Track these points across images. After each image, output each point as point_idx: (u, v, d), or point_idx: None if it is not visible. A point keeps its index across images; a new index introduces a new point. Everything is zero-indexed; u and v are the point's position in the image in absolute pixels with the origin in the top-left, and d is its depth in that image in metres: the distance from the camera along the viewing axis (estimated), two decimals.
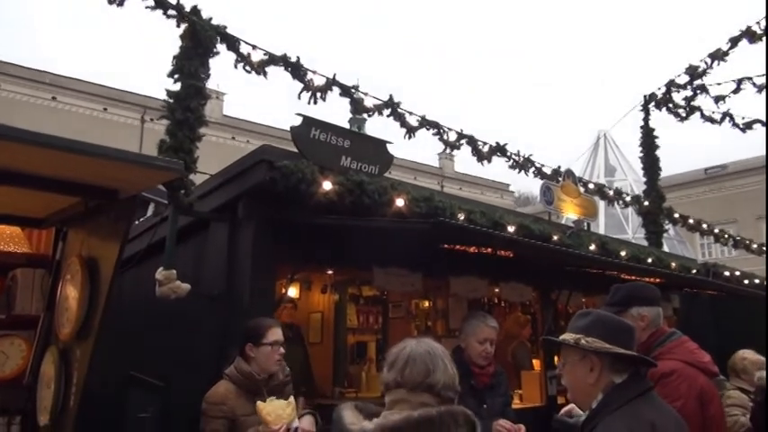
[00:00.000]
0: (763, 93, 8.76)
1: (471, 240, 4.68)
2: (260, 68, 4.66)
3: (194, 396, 3.17)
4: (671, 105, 9.77)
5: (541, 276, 6.02)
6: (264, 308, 3.95)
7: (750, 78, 8.98)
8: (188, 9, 4.11)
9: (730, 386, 4.78)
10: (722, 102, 9.37)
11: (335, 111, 5.52)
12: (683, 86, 9.47)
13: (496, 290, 6.19)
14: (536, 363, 6.69)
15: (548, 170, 7.30)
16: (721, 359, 4.92)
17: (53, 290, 3.43)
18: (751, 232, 21.55)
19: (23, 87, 27.32)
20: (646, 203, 9.35)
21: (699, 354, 2.85)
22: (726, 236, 11.03)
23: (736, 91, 9.13)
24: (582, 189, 7.28)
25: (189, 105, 4.00)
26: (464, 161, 41.32)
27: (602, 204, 9.08)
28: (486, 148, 6.66)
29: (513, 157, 7.05)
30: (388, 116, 5.69)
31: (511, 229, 4.96)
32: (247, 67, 4.61)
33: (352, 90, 5.31)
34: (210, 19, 4.22)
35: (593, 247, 5.96)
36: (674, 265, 7.12)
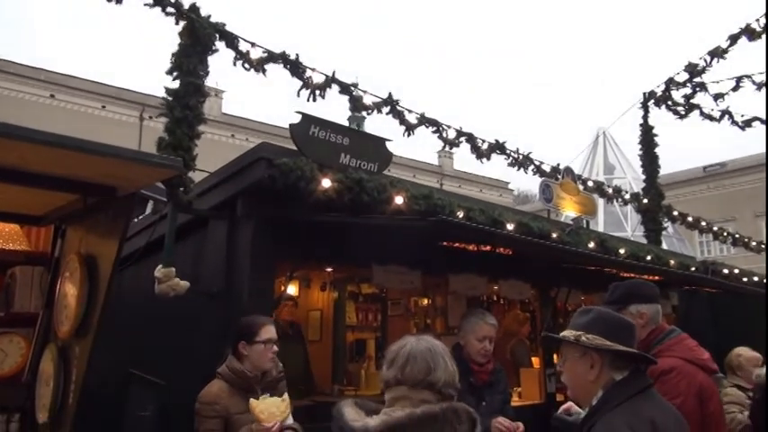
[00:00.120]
0: (763, 90, 8.76)
1: (470, 238, 4.68)
2: (259, 66, 4.65)
3: (194, 394, 3.16)
4: (670, 103, 9.75)
5: (540, 274, 6.03)
6: (263, 305, 3.94)
7: (749, 76, 8.97)
8: (186, 6, 4.10)
9: (727, 383, 4.79)
10: (721, 99, 9.36)
11: (335, 109, 5.53)
12: (683, 84, 9.45)
13: (495, 287, 6.19)
14: (535, 360, 6.70)
15: (547, 168, 7.29)
16: (720, 356, 4.93)
17: (52, 287, 3.43)
18: (750, 230, 21.56)
19: (22, 85, 27.32)
20: (645, 201, 9.35)
21: (698, 351, 2.86)
22: (725, 234, 11.04)
23: (735, 89, 9.12)
24: (581, 187, 7.27)
25: (188, 103, 3.99)
26: (463, 159, 41.50)
27: (601, 202, 9.10)
28: (485, 146, 6.66)
29: (513, 154, 7.04)
30: (387, 114, 5.69)
31: (510, 226, 4.95)
32: (246, 65, 4.60)
33: (352, 88, 5.30)
34: (209, 16, 4.21)
35: (592, 245, 5.96)
36: (672, 262, 7.12)
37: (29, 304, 3.68)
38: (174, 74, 4.05)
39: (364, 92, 5.42)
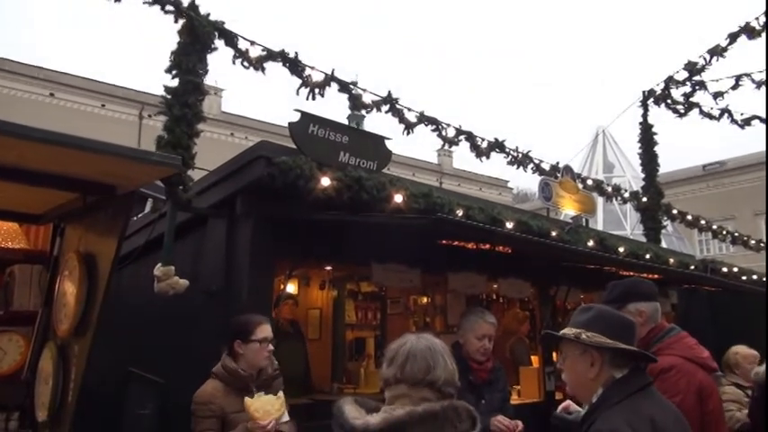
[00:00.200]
0: (762, 89, 8.76)
1: (470, 236, 4.67)
2: (258, 64, 4.65)
3: (193, 392, 3.15)
4: (669, 101, 9.75)
5: (540, 272, 6.03)
6: (262, 304, 3.94)
7: (749, 74, 8.98)
8: (186, 5, 4.10)
9: (726, 381, 4.79)
10: (721, 98, 9.35)
11: (334, 107, 5.52)
12: (682, 82, 9.45)
13: (495, 286, 6.19)
14: (534, 359, 6.70)
15: (546, 166, 7.29)
16: (719, 355, 4.94)
17: (51, 286, 3.43)
18: (749, 228, 21.57)
19: (21, 84, 27.26)
20: (644, 200, 9.34)
21: (698, 349, 2.86)
22: (724, 232, 11.05)
23: (734, 87, 9.11)
24: (580, 185, 7.27)
25: (187, 101, 3.98)
26: (463, 158, 41.35)
27: (600, 200, 9.10)
28: (484, 145, 6.66)
29: (512, 153, 7.05)
30: (386, 112, 5.69)
31: (509, 225, 4.95)
32: (245, 63, 4.60)
33: (351, 86, 5.30)
34: (208, 15, 4.21)
35: (591, 243, 5.96)
36: (672, 261, 7.13)
37: (28, 303, 3.68)
38: (174, 72, 4.05)
39: (363, 90, 5.41)
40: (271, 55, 4.73)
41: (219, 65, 4.59)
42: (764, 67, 8.45)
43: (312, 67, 4.96)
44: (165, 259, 3.84)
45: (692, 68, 9.17)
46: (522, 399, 5.93)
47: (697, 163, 36.07)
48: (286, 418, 2.94)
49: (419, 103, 5.89)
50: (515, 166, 7.17)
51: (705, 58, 9.00)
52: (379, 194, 4.24)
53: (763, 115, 9.28)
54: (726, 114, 9.63)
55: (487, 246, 4.92)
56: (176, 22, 4.10)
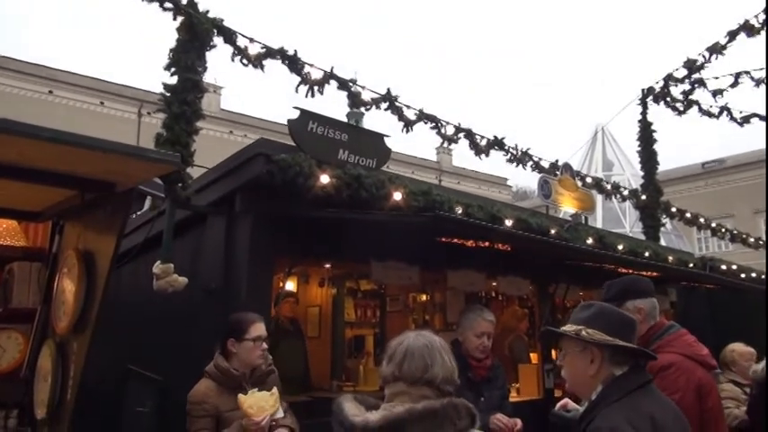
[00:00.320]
0: (761, 86, 8.76)
1: (469, 234, 4.67)
2: (257, 62, 4.64)
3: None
4: (669, 99, 9.75)
5: (539, 270, 6.03)
6: (262, 301, 3.94)
7: (748, 72, 8.98)
8: (184, 2, 4.09)
9: (724, 379, 4.80)
10: (720, 96, 9.35)
11: (333, 105, 5.52)
12: (681, 80, 9.45)
13: (494, 283, 6.19)
14: (533, 356, 6.71)
15: (545, 164, 7.29)
16: (718, 352, 4.96)
17: (50, 283, 3.43)
18: (748, 226, 21.57)
19: (20, 81, 27.23)
20: (643, 197, 9.35)
21: (697, 347, 2.86)
22: (723, 230, 11.05)
23: (734, 85, 9.11)
24: (580, 183, 7.27)
25: (186, 99, 3.98)
26: (462, 155, 41.38)
27: (599, 198, 9.09)
28: (483, 142, 6.66)
29: (511, 150, 7.04)
30: (385, 110, 5.68)
31: (508, 222, 4.95)
32: (244, 61, 4.59)
33: (350, 83, 5.30)
34: (207, 12, 4.20)
35: (590, 241, 5.96)
36: (671, 258, 7.13)
37: (27, 300, 3.68)
38: (172, 69, 4.04)
39: (363, 88, 5.41)
40: (270, 52, 4.72)
41: (218, 62, 4.58)
42: (764, 65, 8.44)
43: (311, 65, 4.96)
44: (164, 257, 3.83)
45: (692, 66, 9.17)
46: (521, 396, 5.94)
47: (696, 161, 36.12)
48: (281, 413, 2.93)
49: (419, 102, 5.90)
50: (515, 164, 7.17)
51: (704, 56, 8.99)
52: (379, 192, 4.23)
53: (763, 113, 9.27)
54: (725, 112, 9.63)
55: (487, 243, 4.92)
56: (175, 19, 4.09)
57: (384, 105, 5.63)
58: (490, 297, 7.26)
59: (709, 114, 9.72)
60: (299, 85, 4.89)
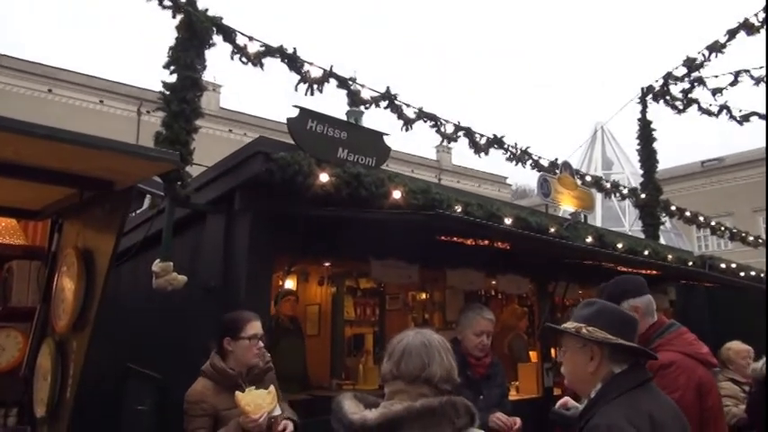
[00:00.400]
0: (760, 85, 8.76)
1: (468, 232, 4.67)
2: (256, 60, 4.63)
3: None
4: (668, 98, 9.76)
5: (538, 268, 6.03)
6: (261, 300, 3.94)
7: (748, 71, 8.98)
8: (184, 0, 4.09)
9: (722, 378, 4.81)
10: (719, 94, 9.36)
11: (333, 104, 5.51)
12: (681, 79, 9.45)
13: (493, 282, 6.20)
14: (533, 355, 6.71)
15: (545, 162, 7.29)
16: (718, 351, 4.96)
17: (49, 282, 3.43)
18: (747, 225, 21.60)
19: (19, 80, 27.20)
20: (642, 196, 9.35)
21: (697, 345, 2.86)
22: (722, 228, 11.05)
23: (733, 83, 9.12)
24: (579, 181, 7.27)
25: (185, 97, 3.97)
26: (461, 154, 41.38)
27: (599, 197, 9.10)
28: (483, 141, 6.65)
29: (511, 149, 7.04)
30: (385, 108, 5.67)
31: (508, 221, 4.95)
32: (244, 59, 4.58)
33: (350, 82, 5.29)
34: (206, 10, 4.20)
35: (589, 240, 5.96)
36: (670, 257, 7.13)
37: (26, 299, 3.68)
38: (172, 68, 4.03)
39: (362, 86, 5.40)
40: (269, 51, 4.72)
41: (218, 61, 4.58)
42: (764, 64, 8.44)
43: (311, 63, 4.95)
44: (164, 255, 3.83)
45: (691, 65, 9.17)
46: (521, 394, 5.95)
47: (695, 159, 36.13)
48: (278, 411, 2.93)
49: (419, 102, 5.89)
50: (514, 163, 7.16)
51: (704, 55, 9.00)
52: (378, 190, 4.23)
53: (762, 111, 9.29)
54: (724, 111, 9.64)
55: (486, 242, 4.92)
56: (174, 17, 4.08)
57: (383, 104, 5.62)
58: (489, 295, 7.28)
59: (709, 113, 9.73)
60: (298, 84, 4.88)
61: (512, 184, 48.62)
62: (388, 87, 5.62)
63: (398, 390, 1.75)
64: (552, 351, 6.11)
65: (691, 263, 7.67)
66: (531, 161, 7.25)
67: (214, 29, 4.26)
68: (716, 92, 9.33)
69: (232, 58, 4.53)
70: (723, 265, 8.55)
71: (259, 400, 2.84)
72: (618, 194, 9.10)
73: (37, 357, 3.31)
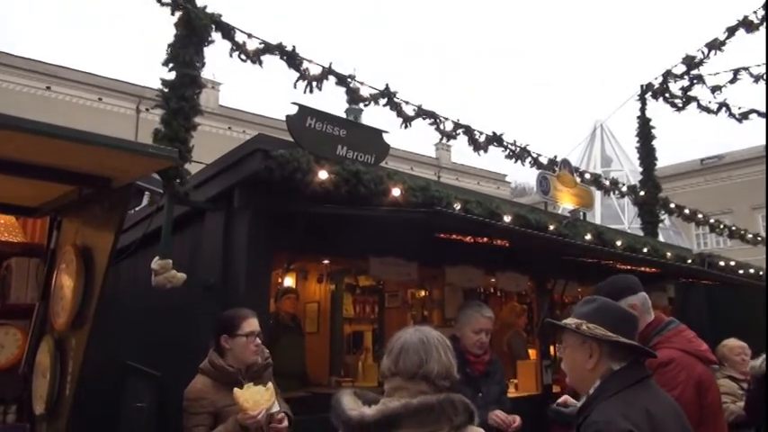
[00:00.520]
0: (760, 83, 8.76)
1: (467, 230, 4.67)
2: (255, 57, 4.63)
3: None
4: (667, 95, 9.75)
5: (537, 266, 6.03)
6: (260, 297, 3.94)
7: (747, 68, 8.97)
8: None
9: (720, 375, 4.82)
10: (719, 92, 9.36)
11: (332, 101, 5.51)
12: (680, 76, 9.45)
13: (492, 279, 6.20)
14: (532, 352, 6.72)
15: (544, 160, 7.28)
16: (716, 348, 4.96)
17: (48, 279, 3.42)
18: (746, 222, 21.64)
19: (17, 77, 27.17)
20: (642, 193, 9.36)
21: (696, 342, 2.86)
22: (721, 226, 11.06)
23: (732, 81, 9.12)
24: (578, 179, 7.27)
25: (184, 94, 3.97)
26: (461, 152, 41.49)
27: (598, 194, 9.09)
28: (482, 138, 6.65)
29: (510, 147, 7.04)
30: (384, 105, 5.67)
31: (507, 218, 4.95)
32: (242, 56, 4.58)
33: (349, 79, 5.29)
34: (205, 7, 4.19)
35: (589, 237, 5.96)
36: (669, 254, 7.13)
37: (25, 296, 3.67)
38: (170, 65, 4.03)
39: (361, 83, 5.40)
40: (268, 48, 4.72)
41: (217, 58, 4.58)
42: (764, 61, 8.44)
43: (310, 61, 4.95)
44: (163, 252, 3.83)
45: (690, 62, 9.17)
46: (520, 392, 5.94)
47: (695, 157, 36.17)
48: (276, 407, 2.93)
49: (418, 101, 5.89)
50: (513, 160, 7.16)
51: (703, 52, 9.00)
52: (377, 188, 4.23)
53: (761, 109, 9.29)
54: (724, 108, 9.64)
55: (485, 239, 4.91)
56: (173, 14, 4.08)
57: (383, 101, 5.62)
58: (489, 293, 7.28)
59: (708, 110, 9.73)
60: (297, 81, 4.89)
61: (511, 181, 48.67)
62: (387, 85, 5.63)
63: (397, 386, 1.76)
64: (551, 348, 6.11)
65: (690, 260, 7.67)
66: (530, 159, 7.25)
67: (213, 26, 4.26)
68: (715, 89, 9.32)
69: (231, 56, 4.54)
70: (722, 263, 8.56)
71: (258, 397, 2.84)
72: (617, 192, 9.10)
73: (36, 354, 3.30)
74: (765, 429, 4.43)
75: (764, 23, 8.23)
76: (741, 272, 8.85)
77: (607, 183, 8.80)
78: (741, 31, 8.55)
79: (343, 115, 5.09)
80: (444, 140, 6.75)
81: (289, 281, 6.18)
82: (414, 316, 6.82)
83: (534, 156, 7.26)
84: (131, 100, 29.78)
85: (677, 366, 2.68)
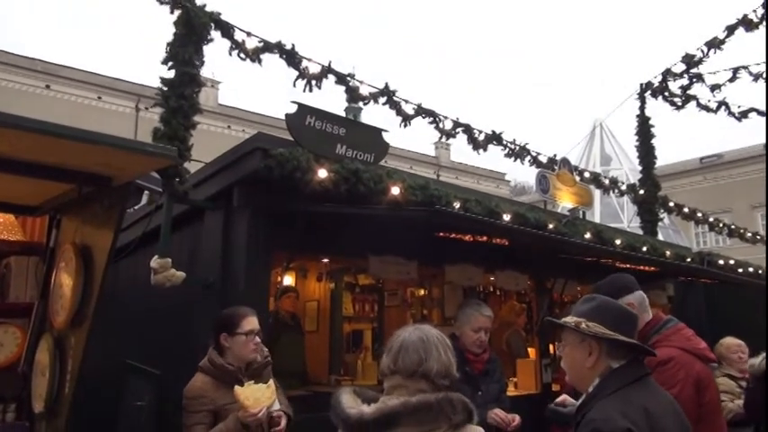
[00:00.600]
0: (759, 81, 8.76)
1: (467, 228, 4.67)
2: (254, 56, 4.63)
3: None
4: (667, 94, 9.76)
5: (537, 265, 6.03)
6: (259, 296, 3.94)
7: (746, 67, 8.98)
8: None
9: (719, 373, 4.82)
10: (718, 90, 9.37)
11: (331, 100, 5.51)
12: (680, 75, 9.46)
13: (492, 278, 6.20)
14: (531, 351, 6.72)
15: (543, 159, 7.29)
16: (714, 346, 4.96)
17: (47, 277, 3.42)
18: (746, 221, 21.67)
19: (17, 75, 27.15)
20: (641, 192, 9.36)
21: (695, 340, 2.87)
22: (720, 225, 11.07)
23: (732, 79, 9.13)
24: (577, 178, 7.27)
25: (183, 93, 3.97)
26: (460, 150, 41.55)
27: (597, 193, 9.10)
28: (481, 137, 6.65)
29: (509, 145, 7.04)
30: (383, 104, 5.67)
31: (506, 217, 4.95)
32: (242, 55, 4.58)
33: (348, 78, 5.29)
34: (204, 6, 4.19)
35: (588, 236, 5.96)
36: (668, 253, 7.14)
37: (24, 294, 3.67)
38: (170, 64, 4.03)
39: (360, 82, 5.40)
40: (267, 46, 4.71)
41: (216, 57, 4.58)
42: (764, 60, 8.44)
43: (309, 59, 4.95)
44: (162, 251, 3.83)
45: (690, 61, 9.17)
46: (519, 391, 5.95)
47: (694, 155, 36.13)
48: (277, 405, 2.94)
49: (418, 100, 5.89)
50: (513, 159, 7.17)
51: (703, 51, 9.00)
52: (377, 186, 4.23)
53: (761, 107, 9.29)
54: (723, 107, 9.65)
55: (484, 238, 4.92)
56: (172, 12, 4.08)
57: (382, 100, 5.62)
58: (488, 292, 7.28)
59: (708, 109, 9.74)
60: (296, 80, 4.89)
61: (510, 180, 48.68)
62: (386, 83, 5.63)
63: (397, 384, 1.76)
64: (551, 347, 6.12)
65: (689, 259, 7.68)
66: (529, 157, 7.26)
67: (212, 24, 4.26)
68: (714, 88, 9.33)
69: (230, 54, 4.54)
70: (721, 262, 8.57)
71: (258, 395, 2.84)
72: (616, 191, 9.11)
73: (35, 353, 3.31)
74: (765, 428, 4.44)
75: (764, 22, 8.24)
76: (740, 270, 8.86)
77: (606, 181, 8.81)
78: (740, 30, 8.55)
79: (343, 114, 5.09)
80: (444, 139, 6.76)
81: (288, 279, 6.17)
82: (413, 314, 6.82)
83: (534, 154, 7.26)
84: (131, 99, 29.76)
85: (676, 365, 2.68)
